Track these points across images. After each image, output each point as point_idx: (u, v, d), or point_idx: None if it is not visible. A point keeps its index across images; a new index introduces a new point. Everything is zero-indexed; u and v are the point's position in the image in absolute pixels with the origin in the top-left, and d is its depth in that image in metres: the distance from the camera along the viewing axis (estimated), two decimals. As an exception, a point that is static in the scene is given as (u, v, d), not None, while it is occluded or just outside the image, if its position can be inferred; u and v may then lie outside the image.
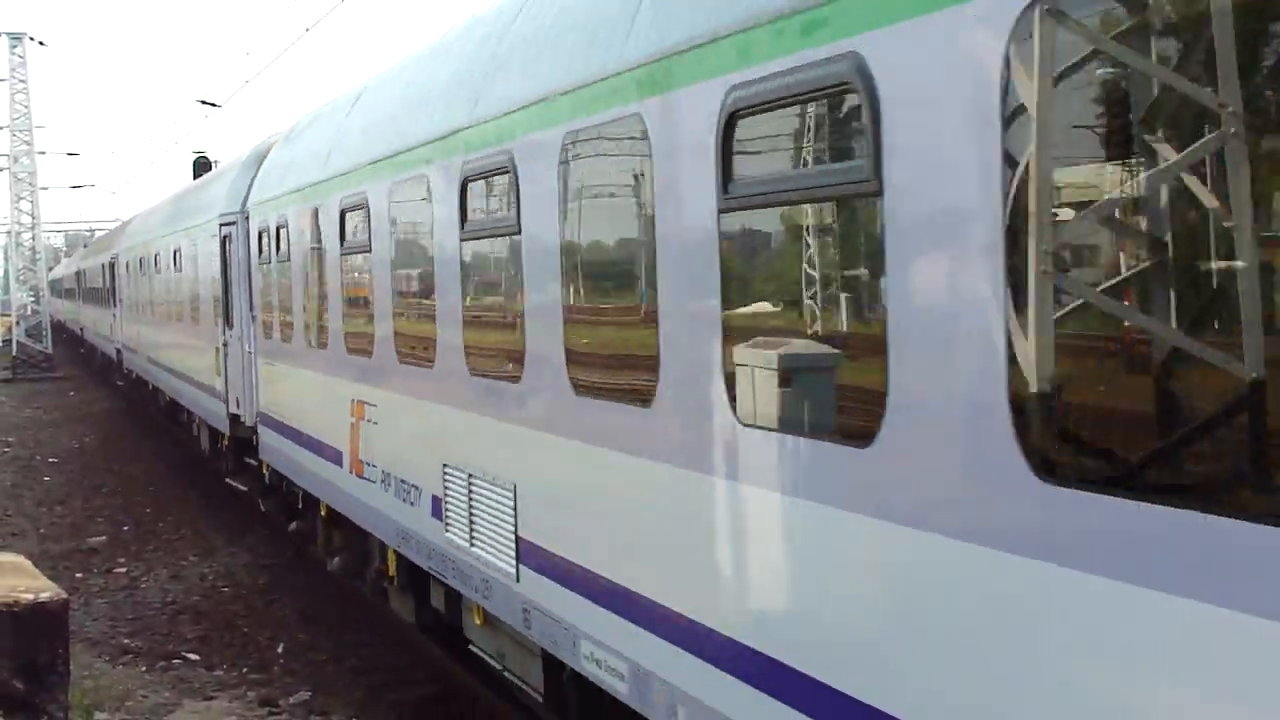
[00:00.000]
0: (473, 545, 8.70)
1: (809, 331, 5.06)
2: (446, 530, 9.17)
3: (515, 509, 7.90)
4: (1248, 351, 3.31)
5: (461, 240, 8.66)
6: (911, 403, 4.41)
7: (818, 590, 4.98)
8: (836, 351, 5.03)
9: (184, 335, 21.90)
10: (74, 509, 23.52)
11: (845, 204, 4.88)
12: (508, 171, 7.77)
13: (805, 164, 5.10)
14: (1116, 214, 3.74)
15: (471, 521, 8.70)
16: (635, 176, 6.34)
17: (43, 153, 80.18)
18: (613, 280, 6.88)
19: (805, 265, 5.00)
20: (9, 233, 61.80)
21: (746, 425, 5.39)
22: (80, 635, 14.27)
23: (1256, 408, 3.29)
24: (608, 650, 6.72)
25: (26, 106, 55.70)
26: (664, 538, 6.13)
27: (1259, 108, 3.35)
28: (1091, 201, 3.80)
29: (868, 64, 4.58)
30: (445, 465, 9.10)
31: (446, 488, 9.12)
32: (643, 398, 6.22)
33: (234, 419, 17.58)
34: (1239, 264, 3.34)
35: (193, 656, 14.19)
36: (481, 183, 8.36)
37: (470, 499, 8.71)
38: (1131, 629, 3.50)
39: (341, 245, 11.60)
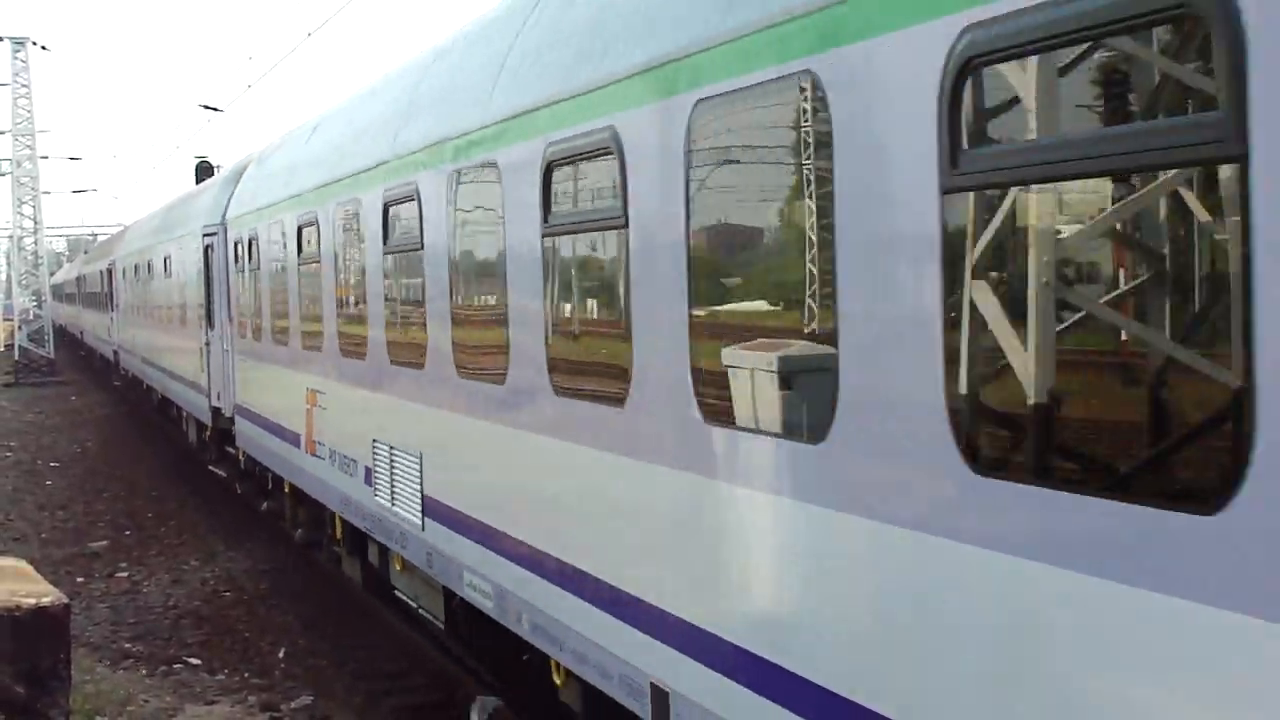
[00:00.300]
0: (394, 505, 10.52)
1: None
2: (375, 495, 11.04)
3: (421, 472, 9.79)
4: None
5: (384, 254, 10.56)
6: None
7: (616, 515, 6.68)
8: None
9: (172, 336, 24.02)
10: (76, 513, 23.57)
11: (601, 237, 6.66)
12: (414, 199, 9.64)
13: (590, 201, 6.86)
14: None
15: (392, 485, 10.55)
16: (492, 208, 8.19)
17: (45, 157, 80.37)
18: (484, 286, 8.58)
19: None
20: (11, 237, 61.86)
21: (560, 395, 7.31)
22: (81, 640, 14.31)
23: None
24: (480, 577, 8.66)
25: (29, 111, 55.78)
26: (515, 483, 8.09)
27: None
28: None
29: (619, 134, 6.19)
30: (374, 440, 10.97)
31: (375, 459, 11.01)
32: (498, 377, 8.24)
33: (215, 411, 19.51)
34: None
35: (194, 661, 14.23)
36: (397, 207, 10.20)
37: (391, 467, 10.55)
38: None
39: (299, 256, 13.57)
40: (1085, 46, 3.93)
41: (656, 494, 6.18)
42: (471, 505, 8.86)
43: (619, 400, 6.50)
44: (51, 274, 72.25)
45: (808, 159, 5.01)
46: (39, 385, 51.56)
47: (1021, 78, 4.10)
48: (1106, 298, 3.96)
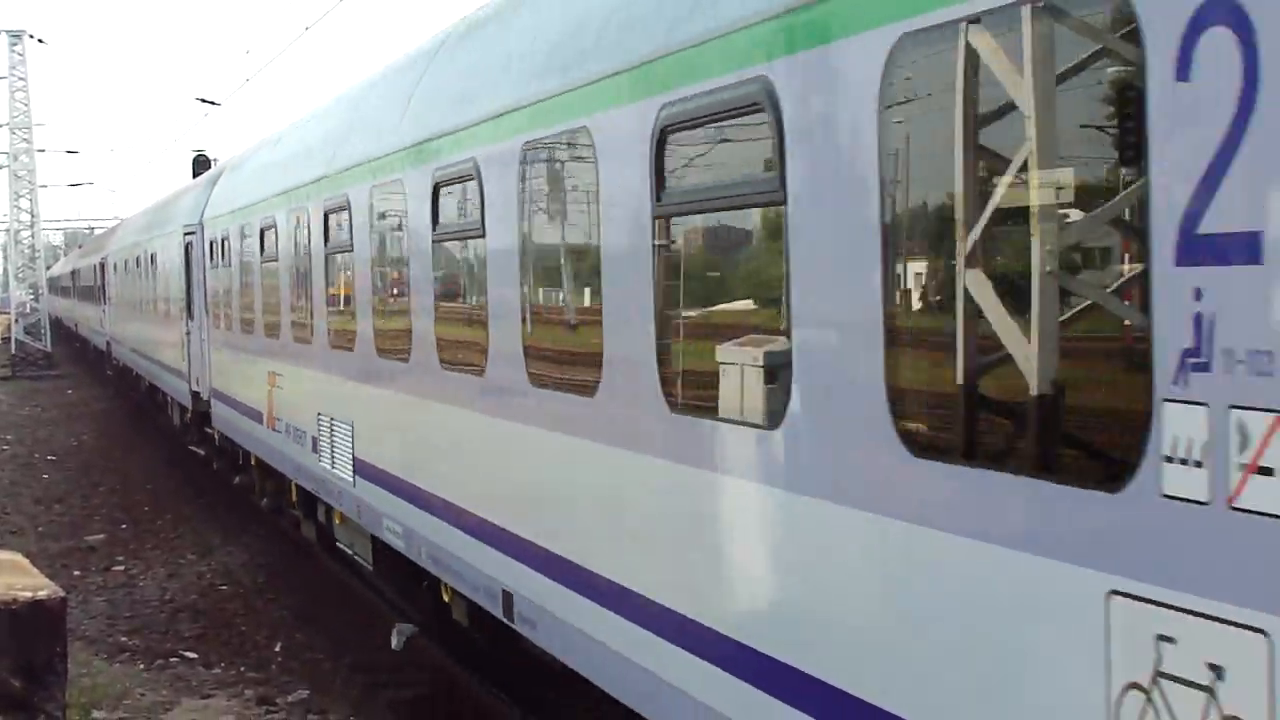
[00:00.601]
0: (334, 467, 12.54)
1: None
2: (319, 460, 13.08)
3: (353, 438, 11.84)
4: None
5: (326, 254, 12.53)
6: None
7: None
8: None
9: (157, 327, 26.38)
10: (72, 507, 23.63)
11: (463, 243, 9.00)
12: (347, 209, 11.52)
13: (456, 216, 9.10)
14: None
15: (333, 451, 12.52)
16: (400, 219, 10.17)
17: (42, 151, 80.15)
18: (396, 281, 10.52)
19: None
20: (8, 231, 61.88)
21: (445, 368, 9.31)
22: (78, 633, 14.36)
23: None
24: (396, 522, 10.54)
25: (26, 104, 55.77)
26: (421, 443, 9.89)
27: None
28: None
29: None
30: (318, 414, 13.04)
31: (319, 429, 13.04)
32: (403, 356, 10.15)
33: (195, 395, 21.66)
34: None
35: (191, 655, 14.28)
36: (334, 215, 12.15)
37: (331, 435, 12.56)
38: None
39: (261, 255, 15.66)
40: (718, 126, 5.73)
41: (501, 442, 8.29)
42: (390, 464, 10.77)
43: (480, 371, 8.54)
44: (48, 267, 72.22)
45: (590, 198, 6.86)
46: (36, 379, 51.62)
47: (693, 140, 5.97)
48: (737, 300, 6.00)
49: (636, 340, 6.31)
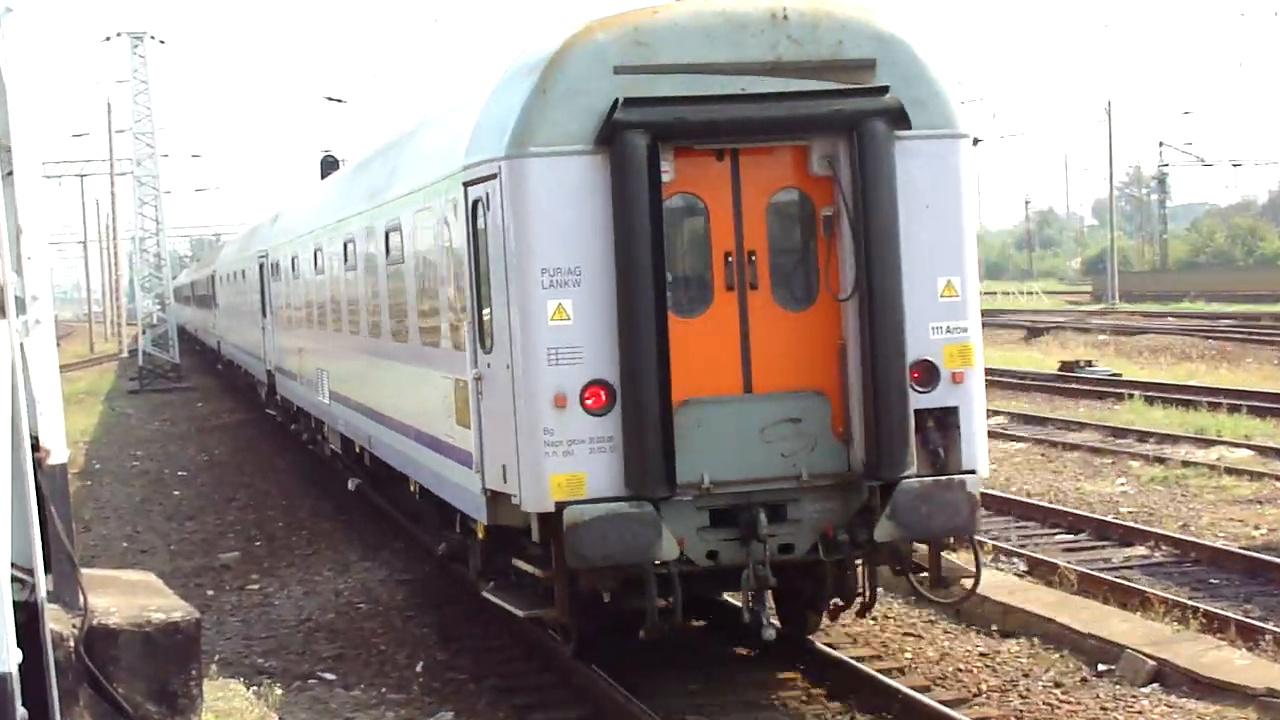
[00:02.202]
0: (330, 402, 21.94)
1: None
2: (318, 395, 23.00)
3: (328, 379, 22.02)
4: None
5: (315, 277, 22.50)
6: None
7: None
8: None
9: (245, 324, 36.82)
10: (205, 524, 24.08)
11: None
12: (353, 242, 19.08)
13: (386, 252, 17.04)
14: None
15: (323, 388, 22.51)
16: (368, 252, 18.03)
17: (165, 156, 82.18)
18: (356, 293, 19.06)
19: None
20: (133, 239, 63.39)
21: (374, 336, 18.45)
22: (213, 655, 14.59)
23: None
24: (352, 428, 20.03)
25: (148, 109, 57.02)
26: (373, 386, 18.00)
27: None
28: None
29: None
30: (318, 368, 22.91)
31: (318, 378, 22.93)
32: (356, 330, 19.02)
33: (269, 374, 31.30)
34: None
35: (329, 676, 14.42)
36: (323, 253, 21.68)
37: (323, 380, 22.48)
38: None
39: (293, 273, 25.43)
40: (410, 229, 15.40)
41: (400, 377, 16.06)
42: (345, 391, 20.65)
43: (404, 339, 15.77)
44: (174, 277, 73.91)
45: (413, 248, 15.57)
46: (164, 391, 52.74)
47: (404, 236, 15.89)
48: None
49: (440, 315, 13.98)
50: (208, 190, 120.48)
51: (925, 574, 12.57)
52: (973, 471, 11.91)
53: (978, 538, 12.68)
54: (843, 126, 11.80)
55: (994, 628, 14.63)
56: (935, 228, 12.00)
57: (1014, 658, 13.72)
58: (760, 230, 12.09)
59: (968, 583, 12.58)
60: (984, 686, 12.87)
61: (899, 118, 11.78)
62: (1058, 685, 12.83)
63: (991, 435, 28.67)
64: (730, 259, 12.03)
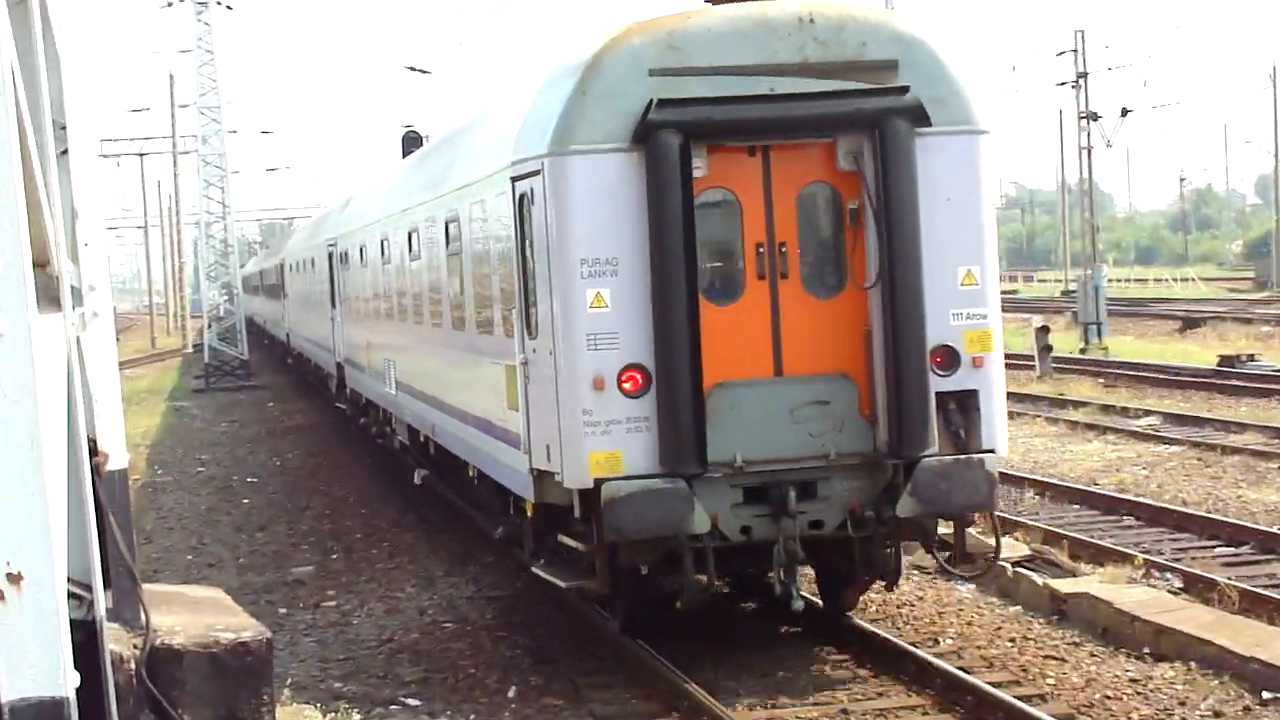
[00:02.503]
0: (397, 392, 23.89)
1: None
2: (385, 386, 25.18)
3: (394, 369, 24.12)
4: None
5: (410, 262, 22.03)
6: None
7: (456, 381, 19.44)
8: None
9: (314, 315, 39.92)
10: (277, 535, 24.32)
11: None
12: (416, 231, 20.98)
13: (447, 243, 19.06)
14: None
15: (395, 379, 24.03)
16: (431, 242, 19.96)
17: (233, 132, 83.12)
18: (425, 281, 20.63)
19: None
20: (199, 224, 64.13)
21: (453, 328, 19.65)
22: (286, 679, 14.72)
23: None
24: (417, 418, 21.84)
25: (214, 80, 57.60)
26: (435, 375, 20.35)
27: None
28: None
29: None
30: (386, 358, 24.87)
31: (387, 367, 24.89)
32: (433, 322, 20.40)
33: (339, 366, 34.00)
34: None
35: (413, 702, 14.49)
36: (414, 234, 21.55)
37: (392, 369, 24.30)
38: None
39: (381, 260, 25.49)
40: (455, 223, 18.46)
41: (473, 370, 17.28)
42: (410, 381, 22.60)
43: (461, 328, 17.38)
44: (242, 265, 74.79)
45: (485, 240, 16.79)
46: (232, 390, 53.45)
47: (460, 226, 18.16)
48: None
49: (493, 303, 16.01)
50: (279, 170, 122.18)
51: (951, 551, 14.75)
52: (992, 451, 13.96)
53: (998, 513, 14.65)
54: (866, 125, 13.87)
55: (1146, 651, 14.53)
56: (956, 219, 14.07)
57: (1168, 684, 13.63)
58: (790, 222, 14.22)
59: (981, 563, 14.84)
60: (1135, 716, 12.79)
61: (919, 116, 13.83)
62: (1217, 715, 12.75)
63: (1143, 437, 28.51)
64: (761, 250, 14.18)
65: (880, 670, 14.31)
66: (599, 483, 13.54)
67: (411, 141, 36.05)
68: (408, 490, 25.97)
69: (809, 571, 15.68)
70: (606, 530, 13.49)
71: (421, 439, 22.36)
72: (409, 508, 25.08)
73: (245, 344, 58.33)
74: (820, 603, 15.95)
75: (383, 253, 24.91)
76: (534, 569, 15.51)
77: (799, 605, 13.90)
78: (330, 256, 33.79)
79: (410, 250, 21.84)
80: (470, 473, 18.42)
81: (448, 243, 18.66)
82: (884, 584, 15.26)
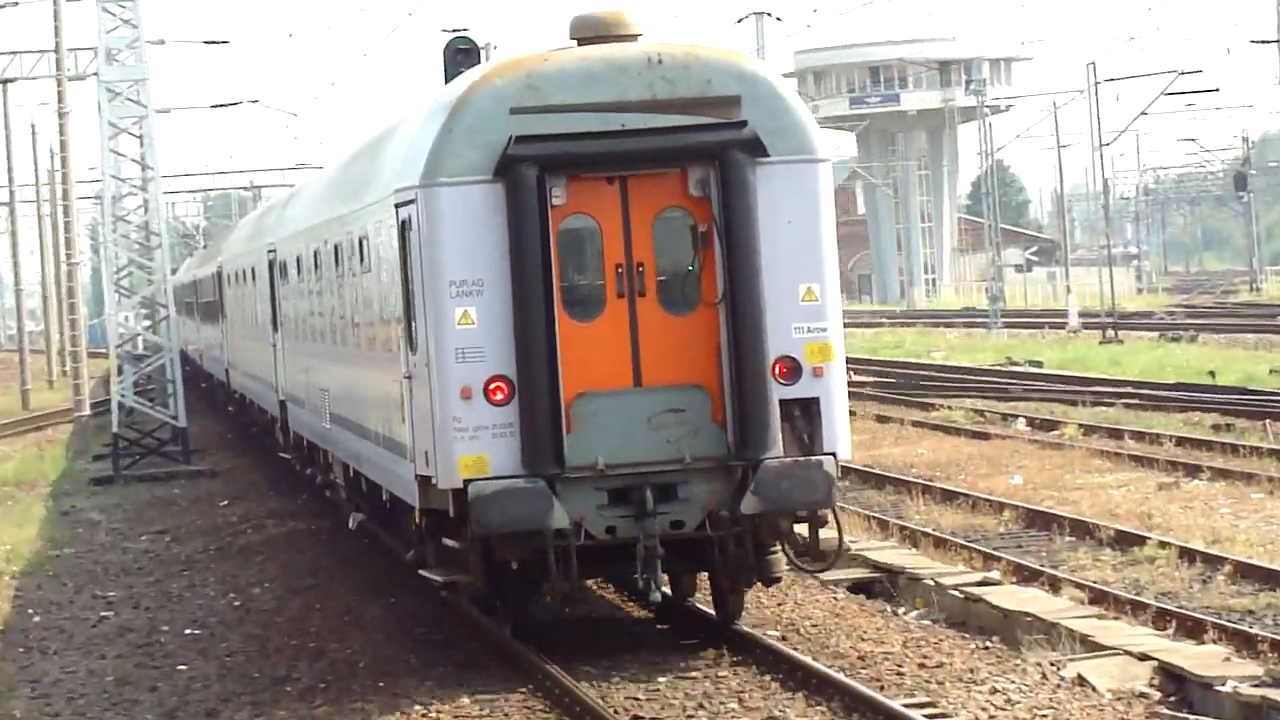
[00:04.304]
0: (330, 425, 35.78)
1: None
2: (321, 421, 37.10)
3: (329, 400, 36.04)
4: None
5: (336, 278, 33.16)
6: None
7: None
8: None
9: (256, 342, 47.78)
10: (234, 729, 24.29)
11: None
12: (340, 245, 32.56)
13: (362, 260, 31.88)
14: None
15: (330, 410, 35.73)
16: (349, 261, 32.23)
17: (160, 42, 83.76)
18: (346, 308, 32.63)
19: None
20: (100, 198, 64.17)
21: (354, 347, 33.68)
22: None
23: None
24: (348, 452, 34.25)
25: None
26: (358, 400, 32.38)
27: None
28: None
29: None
30: (321, 388, 37.11)
31: (322, 399, 36.84)
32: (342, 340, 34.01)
33: (280, 404, 43.70)
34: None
35: None
36: (338, 248, 32.89)
37: (326, 400, 36.18)
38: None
39: (314, 274, 35.53)
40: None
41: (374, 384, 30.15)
42: (341, 410, 34.22)
43: (370, 347, 29.70)
44: (175, 268, 75.22)
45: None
46: (158, 480, 54.04)
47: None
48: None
49: (395, 325, 27.01)
50: (235, 107, 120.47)
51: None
52: (833, 454, 24.68)
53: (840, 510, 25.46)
54: (708, 156, 24.60)
55: None
56: (796, 241, 24.83)
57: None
58: (647, 244, 24.92)
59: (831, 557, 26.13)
60: None
61: (758, 147, 24.50)
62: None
63: None
64: (621, 270, 24.81)
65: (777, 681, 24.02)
66: (468, 483, 24.08)
67: (460, 57, 36.25)
68: (464, 646, 25.81)
69: (705, 584, 27.20)
70: (473, 525, 23.99)
71: (351, 474, 33.83)
72: (461, 681, 24.85)
73: (181, 399, 58.41)
74: (713, 613, 26.86)
75: (315, 265, 35.24)
76: (420, 571, 27.52)
77: (656, 597, 24.93)
78: (271, 266, 41.91)
79: (336, 265, 32.43)
80: (384, 496, 29.83)
81: (362, 259, 29.56)
82: (762, 585, 26.37)
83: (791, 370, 24.49)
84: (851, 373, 79.39)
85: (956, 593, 29.38)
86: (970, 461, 47.74)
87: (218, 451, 58.78)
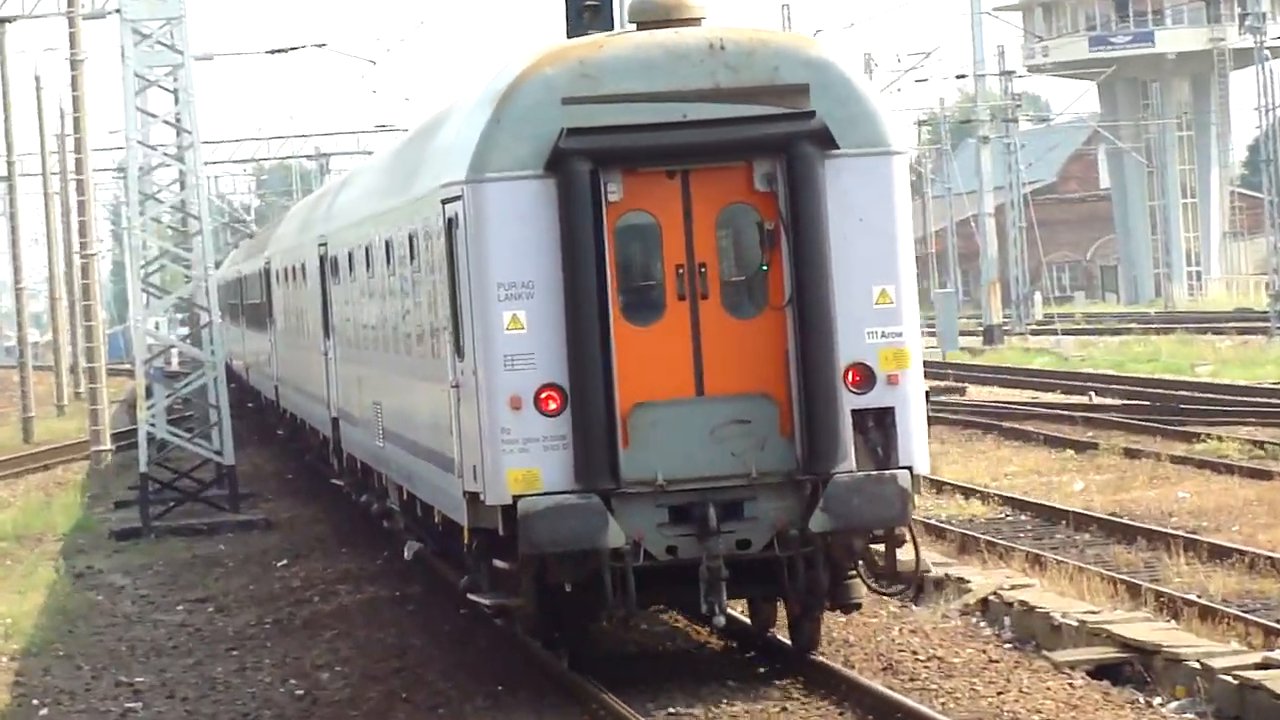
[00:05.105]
0: (384, 443, 41.52)
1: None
2: (374, 439, 43.00)
3: (382, 415, 41.97)
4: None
5: (389, 278, 38.61)
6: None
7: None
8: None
9: (307, 353, 53.41)
10: None
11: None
12: (391, 242, 37.85)
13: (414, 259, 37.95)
14: None
15: (383, 427, 41.49)
16: (400, 259, 37.64)
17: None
18: (402, 314, 37.63)
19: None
20: (120, 170, 64.47)
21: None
22: None
23: None
24: (402, 472, 39.50)
25: None
26: (410, 413, 37.71)
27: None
28: None
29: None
30: (374, 401, 42.78)
31: (376, 413, 42.72)
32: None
33: (333, 422, 48.17)
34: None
35: None
36: (390, 244, 38.51)
37: (380, 415, 41.94)
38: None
39: (367, 272, 41.57)
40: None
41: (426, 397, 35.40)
42: (396, 426, 39.45)
43: (422, 352, 34.54)
44: (218, 262, 75.72)
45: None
46: (199, 533, 54.62)
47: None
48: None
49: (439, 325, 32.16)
50: (299, 51, 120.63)
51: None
52: (909, 467, 28.15)
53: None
54: (775, 148, 28.19)
55: None
56: (869, 239, 28.50)
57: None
58: (710, 243, 28.77)
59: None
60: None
61: (827, 139, 28.08)
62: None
63: None
64: (681, 271, 28.56)
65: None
66: (517, 499, 27.64)
67: (588, 17, 36.88)
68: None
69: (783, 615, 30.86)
70: (522, 543, 27.50)
71: (405, 496, 38.86)
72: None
73: (228, 428, 58.91)
74: (789, 642, 30.73)
75: (368, 263, 40.02)
76: (468, 595, 31.74)
77: (720, 621, 29.02)
78: (322, 262, 46.74)
79: (388, 264, 36.81)
80: (435, 518, 34.25)
81: (412, 258, 33.41)
82: (840, 611, 30.05)
83: (864, 378, 28.25)
84: (1092, 395, 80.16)
85: (1229, 678, 28.65)
86: (1246, 508, 47.22)
87: (275, 496, 59.16)
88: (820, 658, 30.41)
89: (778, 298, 28.01)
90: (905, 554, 28.97)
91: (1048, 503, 49.54)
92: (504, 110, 27.70)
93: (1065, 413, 73.46)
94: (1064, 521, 46.72)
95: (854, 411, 27.64)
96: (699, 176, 28.11)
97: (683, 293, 28.07)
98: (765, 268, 28.37)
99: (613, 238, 27.93)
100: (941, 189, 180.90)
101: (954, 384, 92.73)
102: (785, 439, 27.76)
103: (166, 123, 59.77)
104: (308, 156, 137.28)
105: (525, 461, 27.28)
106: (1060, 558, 39.56)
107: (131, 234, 63.88)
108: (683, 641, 32.32)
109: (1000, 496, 50.01)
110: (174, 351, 60.45)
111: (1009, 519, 48.11)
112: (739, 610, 33.18)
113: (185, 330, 60.46)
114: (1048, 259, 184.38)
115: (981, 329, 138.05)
